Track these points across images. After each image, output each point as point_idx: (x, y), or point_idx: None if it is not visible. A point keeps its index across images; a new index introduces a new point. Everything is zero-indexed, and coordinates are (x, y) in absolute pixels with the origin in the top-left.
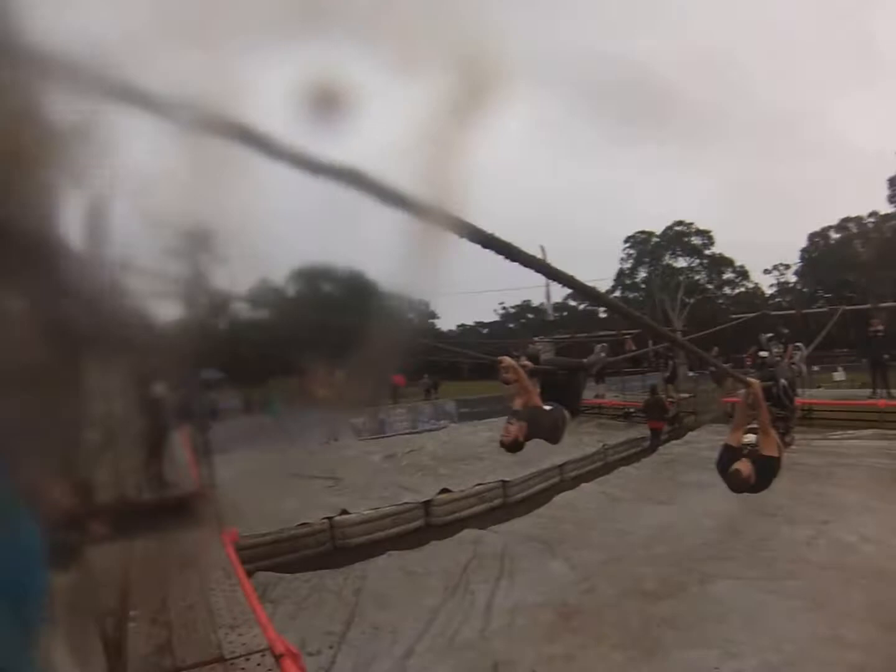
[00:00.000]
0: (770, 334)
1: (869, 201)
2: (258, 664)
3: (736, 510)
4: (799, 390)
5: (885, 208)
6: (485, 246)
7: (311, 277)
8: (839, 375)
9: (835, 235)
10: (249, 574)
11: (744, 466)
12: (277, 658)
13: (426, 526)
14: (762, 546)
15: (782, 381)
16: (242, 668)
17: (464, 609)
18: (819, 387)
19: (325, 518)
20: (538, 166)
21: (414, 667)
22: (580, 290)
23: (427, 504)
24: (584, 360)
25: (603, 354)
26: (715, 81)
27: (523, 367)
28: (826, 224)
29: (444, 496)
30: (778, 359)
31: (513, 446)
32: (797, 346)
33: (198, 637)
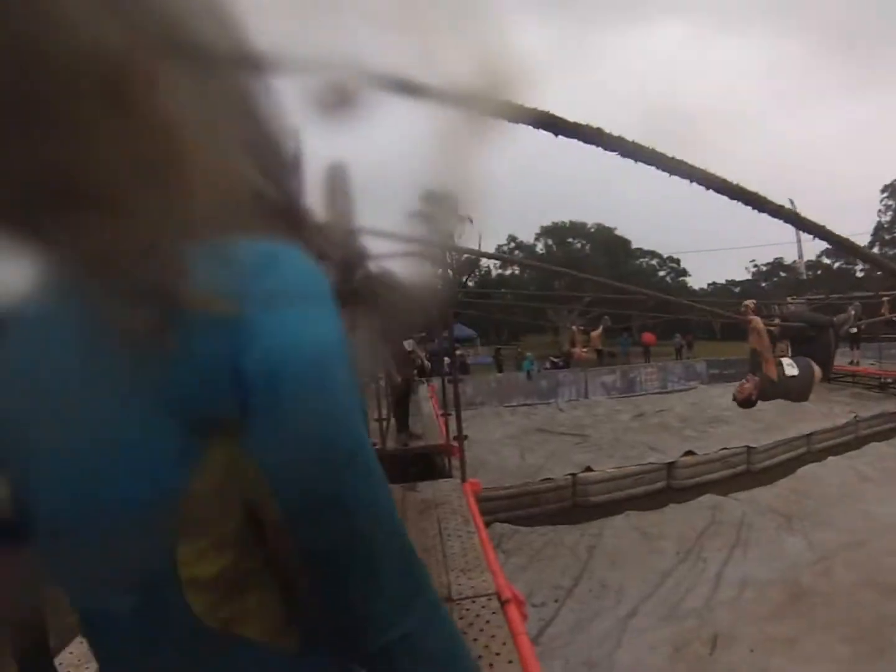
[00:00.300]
0: None
1: None
2: (483, 606)
3: None
4: None
5: None
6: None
7: (561, 234)
8: None
9: None
10: (487, 524)
11: None
12: (503, 603)
13: (667, 488)
14: None
15: None
16: (467, 609)
17: (693, 576)
18: None
19: (568, 475)
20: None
21: (634, 628)
22: (832, 241)
23: (670, 466)
24: (833, 318)
25: (853, 313)
26: None
27: (774, 325)
28: None
29: (688, 458)
30: None
31: (745, 403)
32: None
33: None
